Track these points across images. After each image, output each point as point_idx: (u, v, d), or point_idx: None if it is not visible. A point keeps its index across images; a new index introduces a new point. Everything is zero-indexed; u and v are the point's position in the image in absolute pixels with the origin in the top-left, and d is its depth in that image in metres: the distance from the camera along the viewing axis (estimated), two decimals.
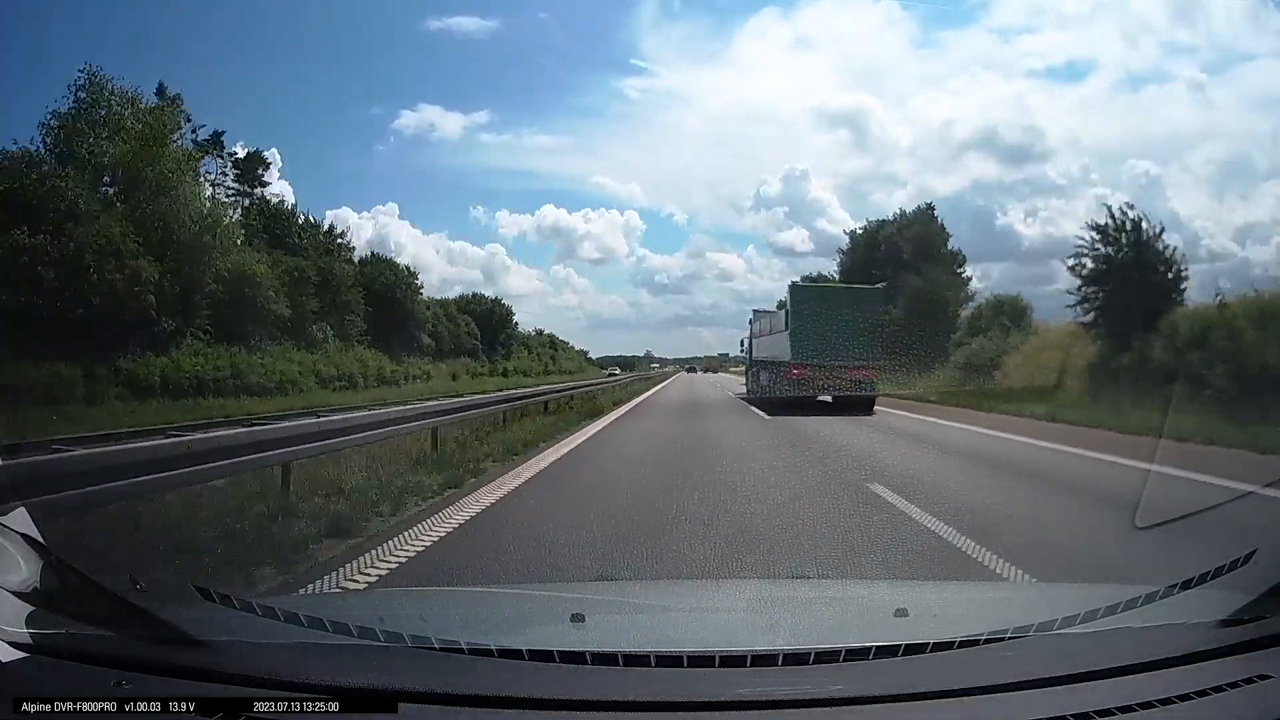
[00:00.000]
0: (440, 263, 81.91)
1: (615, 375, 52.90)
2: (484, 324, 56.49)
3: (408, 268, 45.82)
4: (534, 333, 73.67)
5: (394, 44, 71.61)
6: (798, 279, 40.18)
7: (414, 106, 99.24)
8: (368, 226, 70.25)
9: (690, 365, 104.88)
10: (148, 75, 49.53)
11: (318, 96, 68.30)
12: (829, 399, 21.05)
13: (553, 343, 78.47)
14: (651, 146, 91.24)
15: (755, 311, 30.90)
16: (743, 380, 35.50)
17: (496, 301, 62.75)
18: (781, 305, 24.06)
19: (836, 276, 45.14)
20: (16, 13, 30.69)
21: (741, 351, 33.46)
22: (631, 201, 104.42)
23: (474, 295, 61.40)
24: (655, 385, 45.30)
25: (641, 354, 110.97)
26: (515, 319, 63.59)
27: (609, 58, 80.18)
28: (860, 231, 46.77)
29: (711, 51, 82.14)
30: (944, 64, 74.36)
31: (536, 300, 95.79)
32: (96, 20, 45.84)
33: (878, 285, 25.19)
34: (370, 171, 72.44)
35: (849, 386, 20.44)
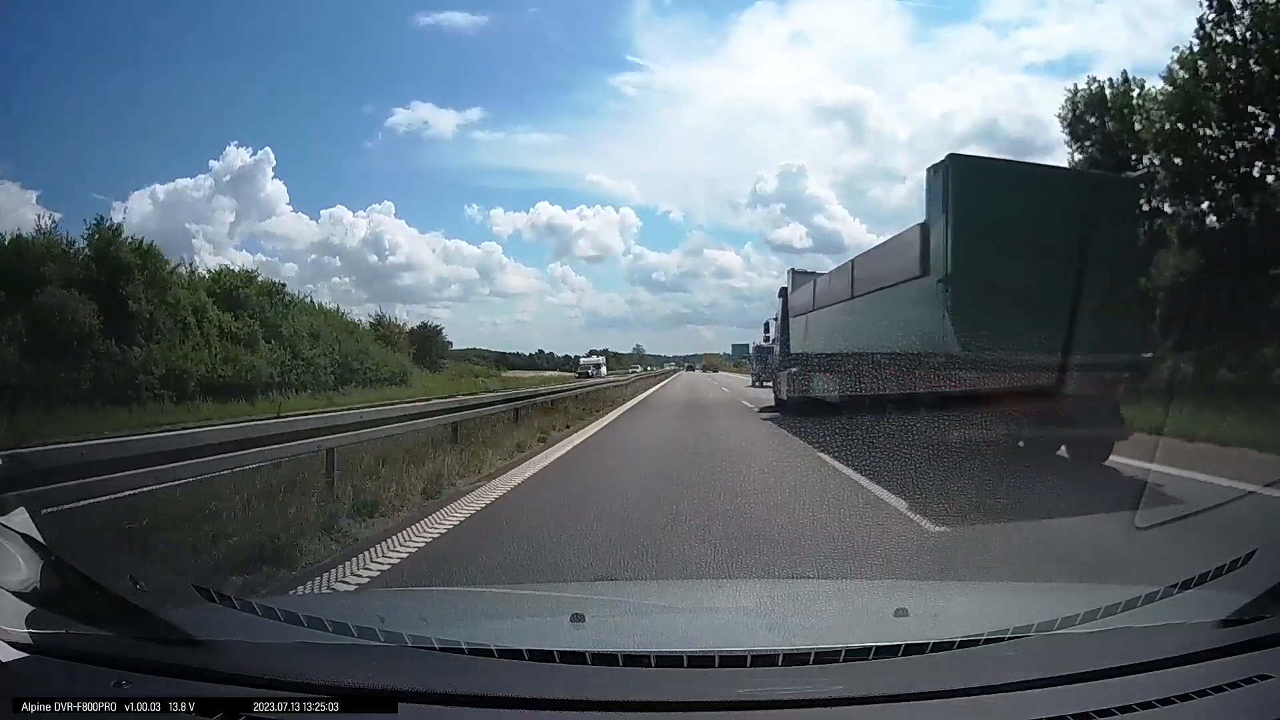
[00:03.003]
0: (436, 261, 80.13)
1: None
2: None
3: None
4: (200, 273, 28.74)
5: (384, 41, 70.77)
6: (957, 151, 14.41)
7: (406, 104, 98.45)
8: (363, 225, 66.26)
9: (690, 364, 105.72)
10: (141, 74, 49.34)
11: (309, 94, 67.48)
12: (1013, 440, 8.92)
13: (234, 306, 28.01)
14: (647, 143, 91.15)
15: (795, 273, 18.91)
16: (748, 382, 30.00)
17: None
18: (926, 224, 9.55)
19: None
20: (12, 9, 30.39)
21: (768, 341, 22.60)
22: (628, 199, 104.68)
23: None
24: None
25: (631, 349, 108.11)
26: None
27: (603, 54, 79.79)
28: None
29: (707, 47, 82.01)
30: (941, 58, 73.83)
31: (534, 299, 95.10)
32: (92, 18, 45.79)
33: (1136, 172, 11.85)
34: (364, 170, 70.89)
35: (1067, 412, 8.54)
